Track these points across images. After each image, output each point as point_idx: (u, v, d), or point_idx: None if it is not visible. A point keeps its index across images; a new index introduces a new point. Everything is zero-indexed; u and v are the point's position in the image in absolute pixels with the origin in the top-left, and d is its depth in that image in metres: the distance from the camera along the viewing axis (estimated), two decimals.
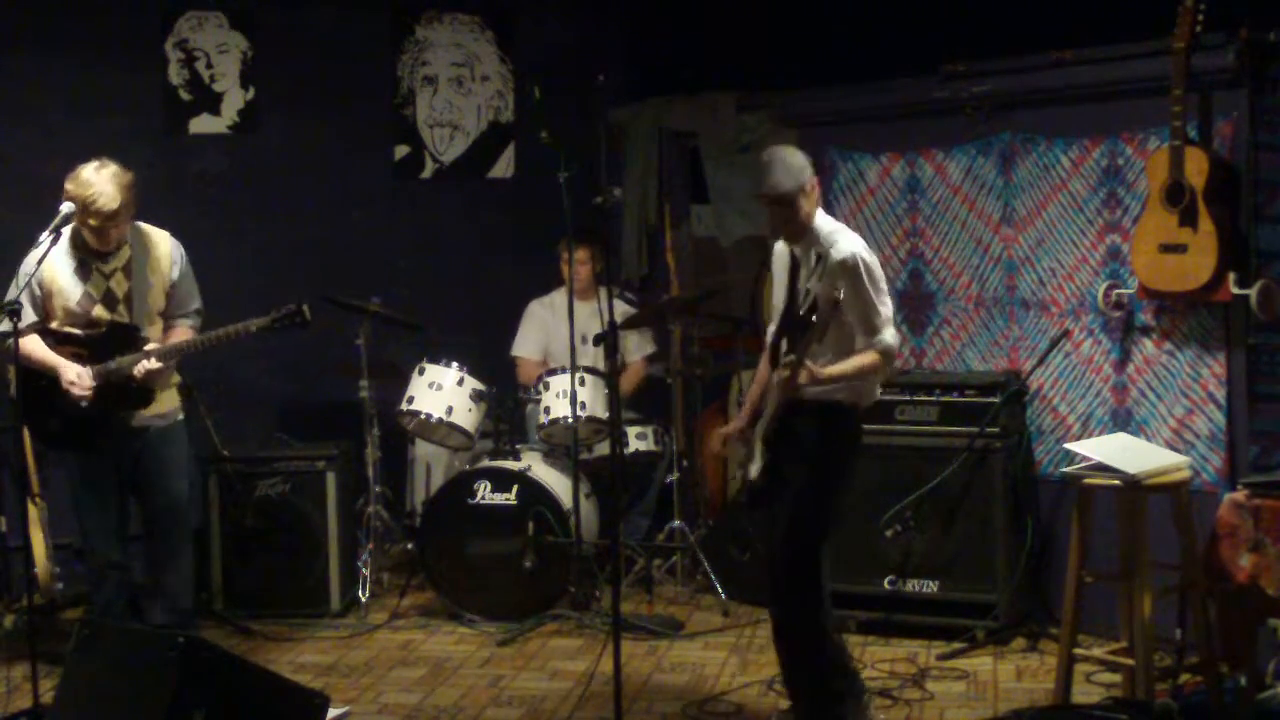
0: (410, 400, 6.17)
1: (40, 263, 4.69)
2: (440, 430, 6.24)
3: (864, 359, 4.38)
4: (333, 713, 4.46)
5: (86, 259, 5.07)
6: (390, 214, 7.13)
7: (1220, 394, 5.14)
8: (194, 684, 3.73)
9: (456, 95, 7.23)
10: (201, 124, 6.81)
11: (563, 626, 5.87)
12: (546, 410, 6.17)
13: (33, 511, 5.56)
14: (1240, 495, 4.40)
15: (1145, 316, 5.35)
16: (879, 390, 4.60)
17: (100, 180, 4.84)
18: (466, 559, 6.01)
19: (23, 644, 4.76)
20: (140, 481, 5.19)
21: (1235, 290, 4.91)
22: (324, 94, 6.98)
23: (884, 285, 4.42)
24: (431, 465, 6.75)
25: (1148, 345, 5.35)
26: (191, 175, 6.93)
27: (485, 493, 6.02)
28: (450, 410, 6.12)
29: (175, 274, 5.16)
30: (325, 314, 6.29)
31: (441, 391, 6.14)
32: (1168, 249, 4.96)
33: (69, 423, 5.06)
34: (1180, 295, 5.08)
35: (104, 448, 5.12)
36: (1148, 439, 5.22)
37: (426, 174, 7.25)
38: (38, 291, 5.05)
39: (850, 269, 4.32)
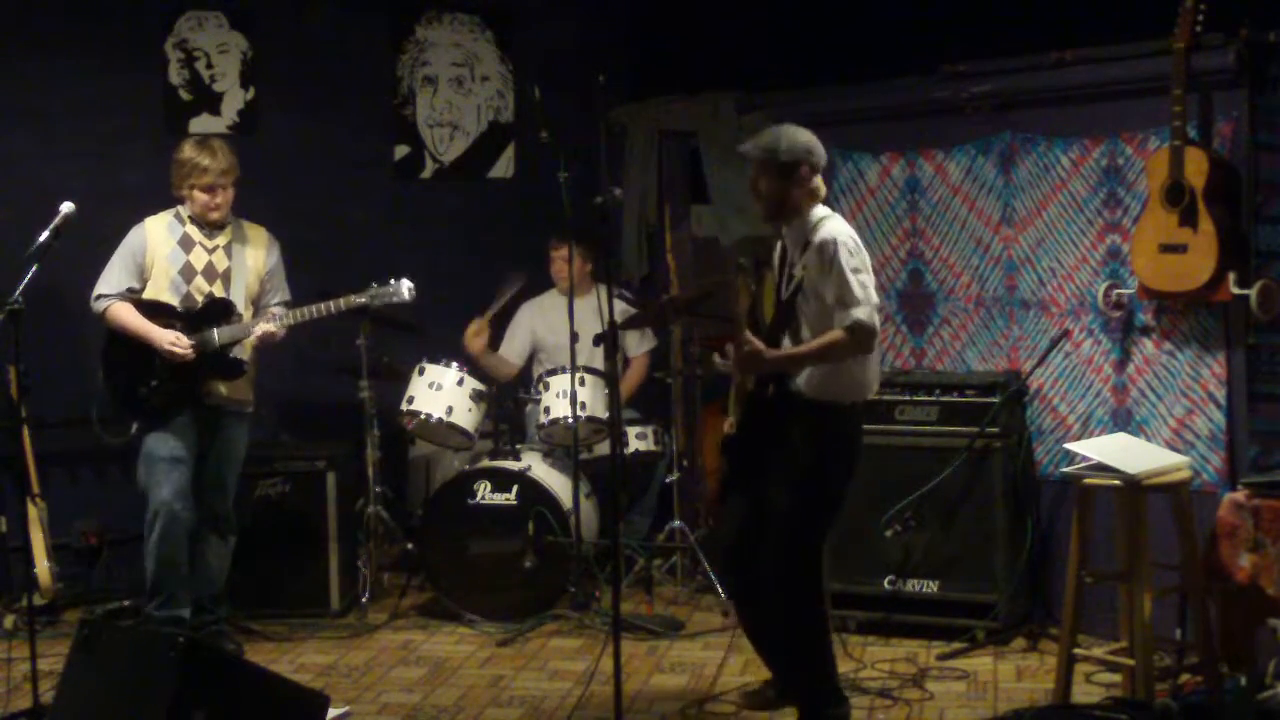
0: (410, 400, 6.17)
1: (42, 256, 4.67)
2: (440, 430, 6.24)
3: (826, 337, 4.26)
4: (333, 713, 4.46)
5: (191, 233, 5.44)
6: (390, 214, 7.12)
7: (1220, 394, 5.14)
8: (194, 684, 3.72)
9: (456, 95, 7.23)
10: (201, 124, 6.79)
11: (563, 626, 5.87)
12: (546, 410, 6.17)
13: (33, 511, 5.56)
14: (1240, 495, 4.41)
15: (1145, 316, 5.35)
16: (875, 384, 4.54)
17: (206, 145, 5.46)
18: (466, 559, 6.00)
19: (23, 644, 4.75)
20: (203, 464, 5.48)
21: (1235, 290, 4.91)
22: (324, 94, 6.97)
23: (866, 269, 4.33)
24: (431, 465, 6.75)
25: (1148, 345, 5.35)
26: None
27: (485, 493, 6.02)
28: (450, 410, 6.12)
29: (271, 261, 5.60)
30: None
31: (441, 391, 6.14)
32: (1168, 249, 4.96)
33: (153, 391, 5.37)
34: (1180, 295, 5.07)
35: (183, 419, 5.40)
36: (1148, 439, 5.22)
37: (426, 174, 7.24)
38: (140, 259, 5.39)
39: (824, 249, 4.27)
